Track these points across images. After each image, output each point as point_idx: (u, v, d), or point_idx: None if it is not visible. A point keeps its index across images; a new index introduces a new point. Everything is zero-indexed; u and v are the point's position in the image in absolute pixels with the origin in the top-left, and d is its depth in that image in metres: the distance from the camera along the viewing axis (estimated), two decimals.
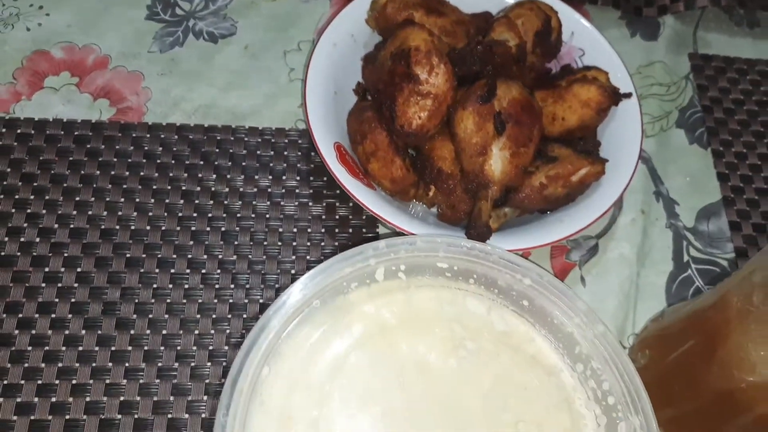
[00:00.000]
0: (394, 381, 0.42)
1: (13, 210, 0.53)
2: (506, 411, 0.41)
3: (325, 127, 0.52)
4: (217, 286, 0.52)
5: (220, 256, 0.53)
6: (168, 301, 0.51)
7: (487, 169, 0.48)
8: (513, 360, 0.43)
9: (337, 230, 0.55)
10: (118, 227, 0.53)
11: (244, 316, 0.51)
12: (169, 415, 0.47)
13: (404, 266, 0.44)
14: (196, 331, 0.50)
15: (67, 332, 0.49)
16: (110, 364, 0.49)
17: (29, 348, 0.48)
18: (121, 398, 0.48)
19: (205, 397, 0.48)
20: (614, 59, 0.57)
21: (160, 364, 0.49)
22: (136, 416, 0.47)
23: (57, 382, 0.48)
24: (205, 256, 0.53)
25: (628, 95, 0.54)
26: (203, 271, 0.53)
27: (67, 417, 0.47)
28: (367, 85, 0.56)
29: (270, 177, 0.57)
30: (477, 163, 0.49)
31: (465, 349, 0.43)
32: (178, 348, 0.50)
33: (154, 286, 0.52)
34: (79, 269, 0.51)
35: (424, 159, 0.53)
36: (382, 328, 0.43)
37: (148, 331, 0.50)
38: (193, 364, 0.49)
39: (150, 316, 0.50)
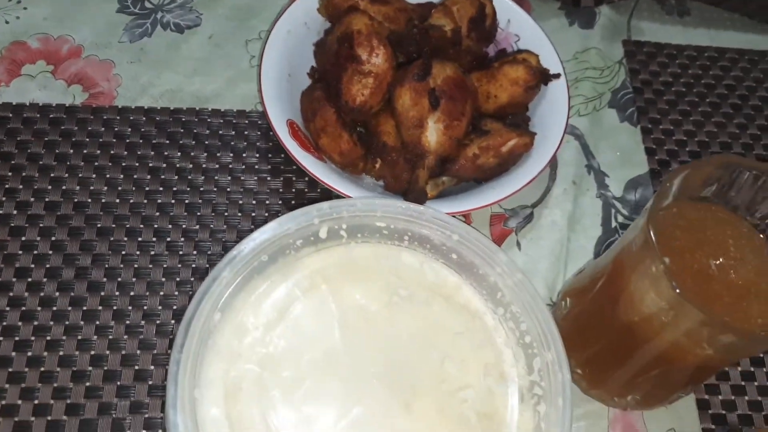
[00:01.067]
0: (335, 324, 0.47)
1: None
2: (435, 350, 0.46)
3: (279, 105, 0.56)
4: (180, 253, 0.57)
5: (183, 226, 0.58)
6: (135, 266, 0.56)
7: (424, 140, 0.54)
8: (442, 306, 0.48)
9: (293, 202, 0.60)
10: (90, 200, 0.58)
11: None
12: (136, 367, 0.52)
13: (345, 225, 0.49)
14: (162, 293, 0.55)
15: (42, 294, 0.54)
16: (82, 323, 0.53)
17: (8, 308, 0.53)
18: (92, 352, 0.52)
19: (170, 351, 0.53)
20: (546, 44, 0.63)
21: (128, 322, 0.54)
22: (105, 368, 0.52)
23: (33, 338, 0.52)
24: (170, 226, 0.58)
25: (557, 76, 0.60)
26: (168, 239, 0.57)
27: (42, 369, 0.51)
28: (319, 69, 0.61)
29: (231, 154, 0.62)
30: (414, 135, 0.54)
31: (399, 296, 0.48)
32: (145, 308, 0.54)
33: (123, 252, 0.56)
34: (53, 238, 0.56)
35: (371, 135, 0.58)
36: (324, 278, 0.48)
37: (117, 293, 0.55)
38: (158, 321, 0.54)
39: (119, 279, 0.55)
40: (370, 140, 0.58)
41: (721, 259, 0.43)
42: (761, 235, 0.44)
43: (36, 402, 0.50)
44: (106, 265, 0.55)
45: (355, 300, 0.48)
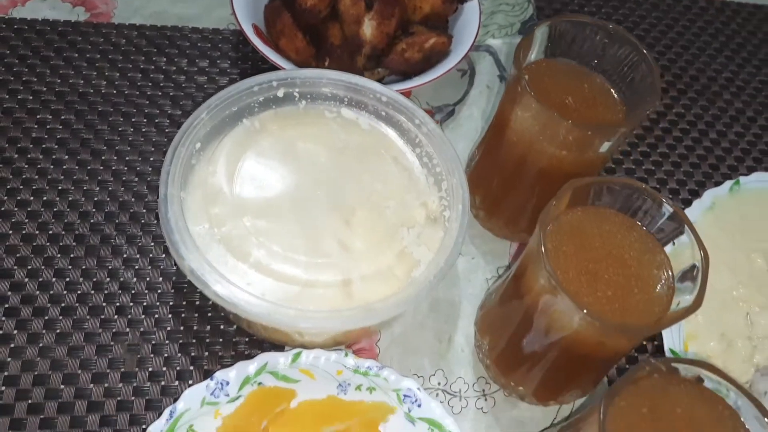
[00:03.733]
0: (291, 156, 0.60)
1: (12, 78, 0.71)
2: (366, 174, 0.60)
3: (246, 10, 0.71)
4: (167, 131, 0.70)
5: (169, 112, 0.71)
6: (130, 139, 0.69)
7: (361, 33, 0.68)
8: (373, 148, 0.62)
9: None
10: (91, 91, 0.71)
11: None
12: (131, 210, 0.65)
13: (298, 89, 0.63)
14: (151, 158, 0.68)
15: (54, 157, 0.67)
16: (87, 177, 0.66)
17: (26, 166, 0.66)
18: (95, 198, 0.65)
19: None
20: None
21: (124, 179, 0.66)
22: (106, 210, 0.64)
23: (47, 187, 0.65)
24: (158, 111, 0.71)
25: None
26: (156, 120, 0.71)
27: (55, 209, 0.64)
28: None
29: (207, 61, 0.75)
30: (354, 30, 0.68)
31: (339, 139, 0.62)
32: (138, 168, 0.67)
33: (120, 129, 0.69)
34: (62, 117, 0.69)
35: (322, 38, 0.72)
36: (280, 125, 0.61)
37: (115, 158, 0.68)
38: (149, 179, 0.67)
39: (116, 147, 0.68)
40: (320, 43, 0.72)
41: (576, 96, 0.58)
42: (608, 82, 0.59)
43: (50, 232, 0.62)
44: (106, 138, 0.69)
45: (305, 141, 0.61)
